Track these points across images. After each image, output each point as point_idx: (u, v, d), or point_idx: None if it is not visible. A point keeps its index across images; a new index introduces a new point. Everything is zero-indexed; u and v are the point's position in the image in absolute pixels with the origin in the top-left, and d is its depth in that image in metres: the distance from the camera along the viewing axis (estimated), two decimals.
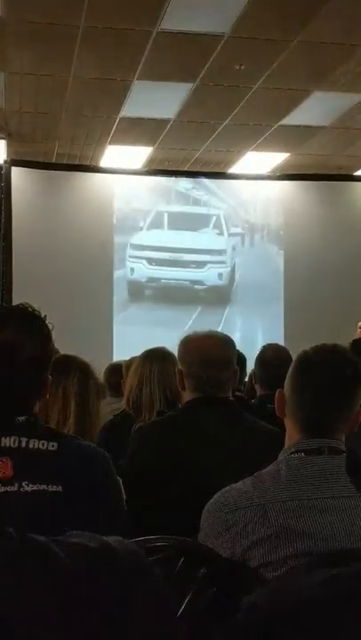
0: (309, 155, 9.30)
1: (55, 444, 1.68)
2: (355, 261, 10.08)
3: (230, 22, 5.81)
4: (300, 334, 9.59)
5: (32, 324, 1.75)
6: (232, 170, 9.97)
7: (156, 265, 10.22)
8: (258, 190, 10.32)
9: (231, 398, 2.45)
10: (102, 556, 0.74)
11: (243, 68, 6.63)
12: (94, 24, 5.83)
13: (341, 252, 10.05)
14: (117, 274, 10.04)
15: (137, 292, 10.23)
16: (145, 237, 10.25)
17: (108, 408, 3.89)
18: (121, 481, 1.98)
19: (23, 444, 1.67)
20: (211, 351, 2.39)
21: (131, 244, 10.16)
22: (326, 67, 6.66)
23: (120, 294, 10.07)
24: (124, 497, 2.00)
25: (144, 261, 10.20)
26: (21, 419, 1.71)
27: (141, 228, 10.23)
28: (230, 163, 9.69)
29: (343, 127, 8.22)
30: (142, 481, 2.29)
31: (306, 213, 10.20)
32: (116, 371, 4.56)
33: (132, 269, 10.17)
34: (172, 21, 5.81)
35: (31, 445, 1.67)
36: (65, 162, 9.50)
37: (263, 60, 6.51)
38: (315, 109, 7.70)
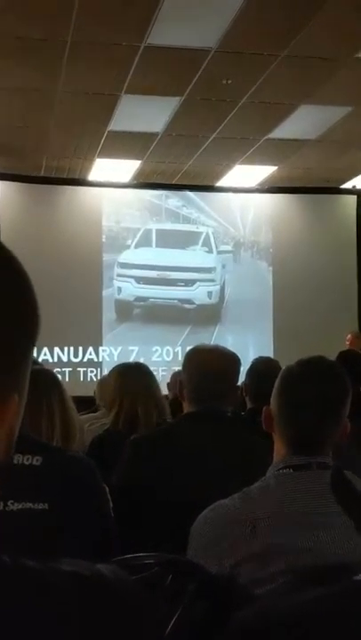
0: (297, 168, 9.34)
1: (40, 458, 1.65)
2: (343, 274, 10.12)
3: (217, 37, 5.84)
4: (291, 351, 9.57)
5: None
6: (220, 183, 10.00)
7: (143, 284, 10.05)
8: (247, 206, 10.27)
9: (229, 413, 2.44)
10: (95, 585, 0.74)
11: (230, 82, 6.67)
12: (82, 38, 5.85)
13: (330, 265, 10.08)
14: (107, 292, 9.90)
15: (125, 311, 10.01)
16: (132, 256, 10.09)
17: (98, 423, 3.87)
18: (108, 490, 1.96)
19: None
20: (211, 365, 2.40)
21: (118, 263, 10.01)
22: (313, 80, 6.70)
23: (108, 313, 9.91)
24: (111, 504, 1.98)
25: (132, 280, 10.04)
26: None
27: (129, 246, 10.11)
28: (219, 176, 9.72)
29: (330, 140, 8.27)
30: (134, 493, 2.28)
31: (294, 227, 10.22)
32: (106, 385, 4.56)
33: (120, 288, 9.99)
34: (160, 36, 5.83)
35: (15, 460, 1.62)
36: (53, 175, 9.51)
37: (250, 75, 6.54)
38: (302, 123, 7.74)
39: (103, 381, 4.85)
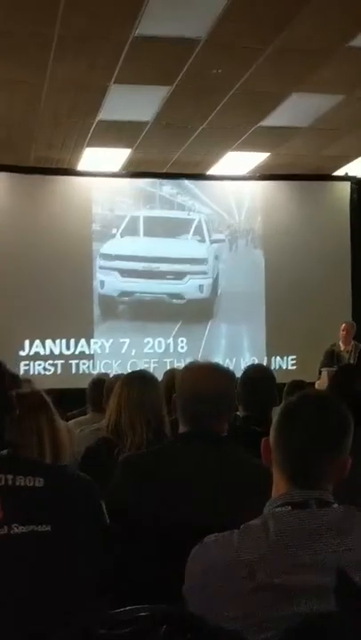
0: (289, 155, 9.26)
1: (42, 480, 1.63)
2: (336, 261, 10.05)
3: (207, 27, 5.75)
4: (283, 341, 9.51)
5: None
6: (212, 171, 9.89)
7: (129, 277, 9.38)
8: (240, 193, 9.93)
9: (225, 433, 2.37)
10: None
11: (220, 71, 6.58)
12: (70, 28, 5.75)
13: (323, 253, 10.00)
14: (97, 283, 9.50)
15: (109, 307, 9.36)
16: (117, 246, 9.38)
17: (88, 429, 3.82)
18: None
19: (9, 482, 1.60)
20: (203, 387, 2.31)
21: (101, 254, 9.32)
22: (304, 69, 6.61)
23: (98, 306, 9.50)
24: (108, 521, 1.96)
25: (116, 273, 9.36)
26: (3, 453, 1.65)
27: (114, 236, 9.44)
28: (210, 164, 9.61)
29: (322, 128, 8.19)
30: (121, 517, 2.22)
31: (287, 215, 10.09)
32: (98, 385, 4.50)
33: (103, 282, 9.33)
34: (149, 26, 5.74)
35: (17, 483, 1.60)
36: (42, 165, 9.38)
37: (240, 64, 6.46)
38: (293, 111, 7.66)
39: (95, 383, 4.79)
